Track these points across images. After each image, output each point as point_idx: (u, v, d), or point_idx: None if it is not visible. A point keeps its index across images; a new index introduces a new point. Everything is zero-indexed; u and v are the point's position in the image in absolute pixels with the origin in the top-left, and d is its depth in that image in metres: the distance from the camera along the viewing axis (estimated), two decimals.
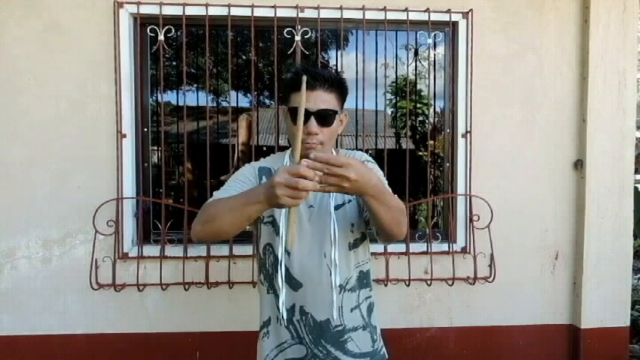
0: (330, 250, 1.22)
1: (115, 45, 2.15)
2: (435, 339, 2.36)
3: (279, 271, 1.21)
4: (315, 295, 1.23)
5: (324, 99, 1.20)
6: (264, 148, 2.71)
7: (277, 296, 1.24)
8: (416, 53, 2.47)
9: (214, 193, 1.24)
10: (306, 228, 1.24)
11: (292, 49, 2.26)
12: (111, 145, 2.18)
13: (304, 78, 1.05)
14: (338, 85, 1.23)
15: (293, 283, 1.24)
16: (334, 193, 1.23)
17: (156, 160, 2.43)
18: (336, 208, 1.24)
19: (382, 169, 1.73)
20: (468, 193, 2.32)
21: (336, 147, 1.45)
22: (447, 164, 2.42)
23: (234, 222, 1.07)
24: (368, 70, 2.33)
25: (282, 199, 0.91)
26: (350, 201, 1.28)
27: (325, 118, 1.20)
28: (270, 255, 1.26)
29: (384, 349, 1.36)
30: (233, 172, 1.36)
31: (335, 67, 2.46)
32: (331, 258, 1.22)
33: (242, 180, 1.26)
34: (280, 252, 1.22)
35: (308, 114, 1.17)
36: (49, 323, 2.21)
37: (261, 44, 2.61)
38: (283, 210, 1.20)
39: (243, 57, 2.67)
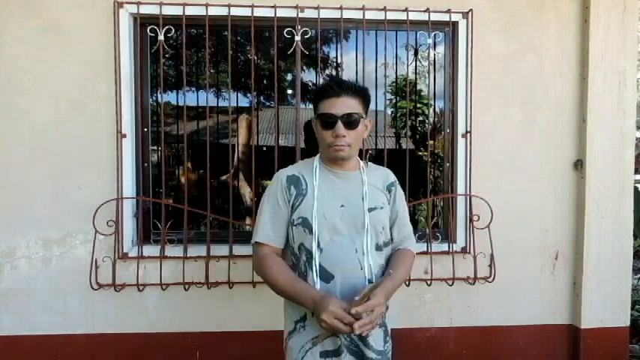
0: (361, 245, 1.32)
1: (115, 45, 2.15)
2: (435, 339, 2.36)
3: (313, 266, 1.31)
4: (345, 286, 1.31)
5: (349, 105, 1.33)
6: (264, 148, 2.71)
7: None
8: (416, 53, 2.46)
9: (256, 232, 1.39)
10: (339, 226, 1.34)
11: (292, 49, 2.26)
12: (111, 145, 2.18)
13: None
14: (361, 92, 1.37)
15: (325, 276, 1.32)
16: (367, 195, 1.38)
17: (156, 160, 2.43)
18: (370, 210, 1.36)
19: None
20: (468, 193, 2.32)
21: (363, 159, 1.54)
22: (447, 164, 2.42)
23: (283, 296, 1.35)
24: (368, 70, 2.33)
25: (323, 325, 1.19)
26: (382, 208, 1.40)
27: (351, 121, 1.33)
28: (303, 253, 1.35)
29: (390, 353, 1.40)
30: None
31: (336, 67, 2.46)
32: (363, 251, 1.32)
33: (274, 206, 1.39)
34: (313, 248, 1.31)
35: (335, 118, 1.31)
36: (49, 323, 2.21)
37: (261, 44, 2.61)
38: (315, 227, 1.34)
39: (243, 57, 2.67)
